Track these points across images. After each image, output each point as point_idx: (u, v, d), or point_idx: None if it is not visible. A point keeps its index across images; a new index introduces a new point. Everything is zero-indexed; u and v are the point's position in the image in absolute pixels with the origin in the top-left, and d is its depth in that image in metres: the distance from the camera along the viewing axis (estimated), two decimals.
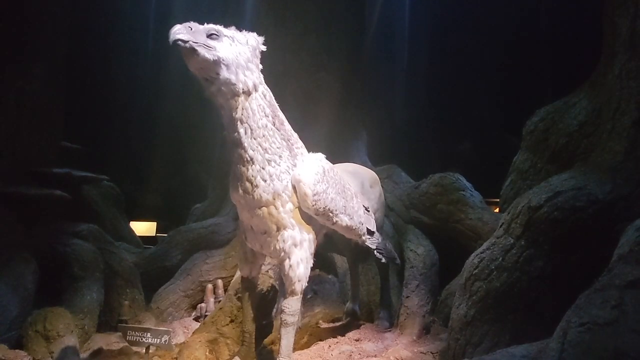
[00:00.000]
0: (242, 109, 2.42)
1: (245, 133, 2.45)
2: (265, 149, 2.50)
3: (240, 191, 2.57)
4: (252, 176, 2.51)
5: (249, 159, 2.49)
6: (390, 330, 3.86)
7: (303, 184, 2.61)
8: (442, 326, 3.83)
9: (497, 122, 7.45)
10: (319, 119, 5.89)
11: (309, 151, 2.87)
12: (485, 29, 7.56)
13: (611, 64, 3.24)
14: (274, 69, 6.17)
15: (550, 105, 3.95)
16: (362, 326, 3.94)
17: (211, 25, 2.36)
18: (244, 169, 2.51)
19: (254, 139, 2.47)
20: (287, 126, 2.69)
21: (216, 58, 2.30)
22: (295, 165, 2.63)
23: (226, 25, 2.44)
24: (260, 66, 2.54)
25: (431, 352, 3.32)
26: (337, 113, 6.14)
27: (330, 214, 2.77)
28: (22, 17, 4.58)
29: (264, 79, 2.58)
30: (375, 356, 3.29)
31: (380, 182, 3.98)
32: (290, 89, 5.90)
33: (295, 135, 2.77)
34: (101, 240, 4.75)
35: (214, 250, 5.09)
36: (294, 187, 2.62)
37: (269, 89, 2.59)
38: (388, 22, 8.21)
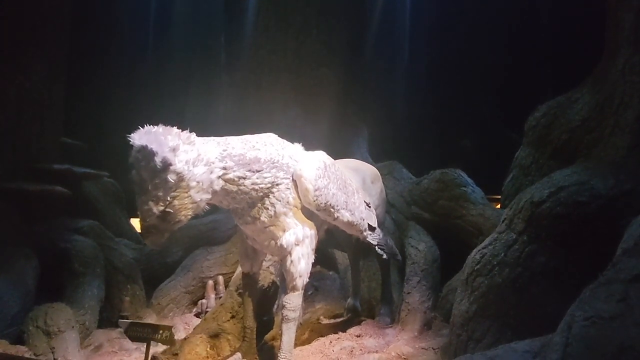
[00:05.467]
0: (227, 198, 2.41)
1: (244, 212, 2.51)
2: (264, 201, 2.50)
3: (244, 223, 2.61)
4: (256, 212, 2.54)
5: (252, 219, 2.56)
6: (391, 326, 3.85)
7: (304, 179, 2.59)
8: (443, 322, 3.82)
9: (499, 118, 7.44)
10: (319, 115, 5.89)
11: (310, 148, 2.86)
12: (486, 24, 7.54)
13: (614, 58, 3.22)
14: (275, 66, 6.22)
15: (552, 101, 3.92)
16: (363, 322, 3.93)
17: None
18: (249, 217, 2.56)
19: (251, 208, 2.50)
20: (263, 153, 2.46)
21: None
22: (292, 173, 2.59)
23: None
24: (196, 139, 2.22)
25: (432, 348, 3.32)
26: (338, 109, 6.14)
27: (332, 209, 2.76)
28: (23, 13, 4.56)
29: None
30: (377, 352, 3.28)
31: (381, 178, 3.97)
32: (291, 85, 5.89)
33: (275, 147, 2.57)
34: (102, 237, 4.75)
35: (214, 246, 5.09)
36: (294, 182, 2.60)
37: (219, 152, 2.29)
38: (389, 18, 8.19)
